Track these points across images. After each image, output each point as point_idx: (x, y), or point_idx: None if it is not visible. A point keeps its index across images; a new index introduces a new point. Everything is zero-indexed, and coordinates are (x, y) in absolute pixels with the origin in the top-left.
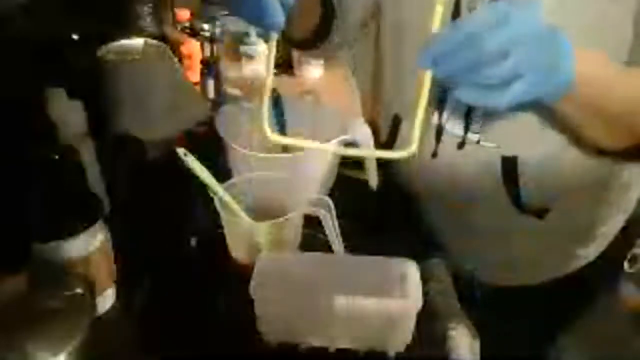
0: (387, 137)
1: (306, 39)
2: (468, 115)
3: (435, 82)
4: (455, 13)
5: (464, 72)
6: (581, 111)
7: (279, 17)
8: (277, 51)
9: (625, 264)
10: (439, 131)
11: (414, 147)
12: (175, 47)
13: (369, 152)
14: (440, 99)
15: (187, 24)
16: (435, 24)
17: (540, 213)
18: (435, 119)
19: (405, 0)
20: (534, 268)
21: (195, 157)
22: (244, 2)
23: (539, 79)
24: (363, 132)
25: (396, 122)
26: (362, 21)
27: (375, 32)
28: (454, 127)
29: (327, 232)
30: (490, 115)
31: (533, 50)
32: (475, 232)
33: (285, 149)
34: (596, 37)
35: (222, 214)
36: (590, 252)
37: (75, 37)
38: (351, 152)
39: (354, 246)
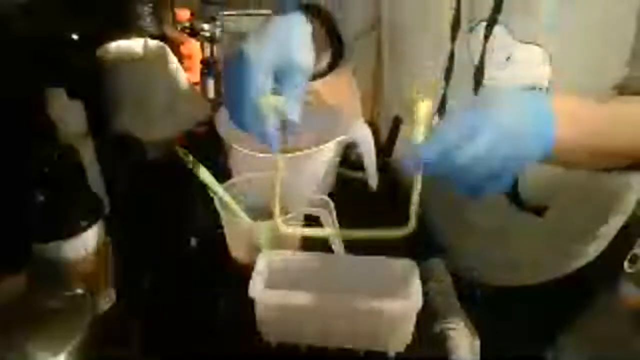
0: (388, 137)
1: (318, 74)
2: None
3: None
4: (454, 30)
5: (446, 177)
6: (579, 156)
7: (276, 145)
8: None
9: (625, 264)
10: None
11: (411, 226)
12: (175, 47)
13: (370, 233)
14: (440, 102)
15: (187, 24)
16: (419, 125)
17: (539, 210)
18: (435, 121)
19: (405, 3)
20: (534, 268)
21: (195, 157)
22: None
23: (519, 164)
24: (363, 133)
25: (396, 123)
26: (363, 28)
27: (375, 33)
28: None
29: None
30: None
31: (504, 151)
32: (475, 231)
33: (286, 149)
34: (601, 36)
35: (222, 214)
36: (590, 252)
37: (75, 37)
38: (357, 234)
39: (354, 246)
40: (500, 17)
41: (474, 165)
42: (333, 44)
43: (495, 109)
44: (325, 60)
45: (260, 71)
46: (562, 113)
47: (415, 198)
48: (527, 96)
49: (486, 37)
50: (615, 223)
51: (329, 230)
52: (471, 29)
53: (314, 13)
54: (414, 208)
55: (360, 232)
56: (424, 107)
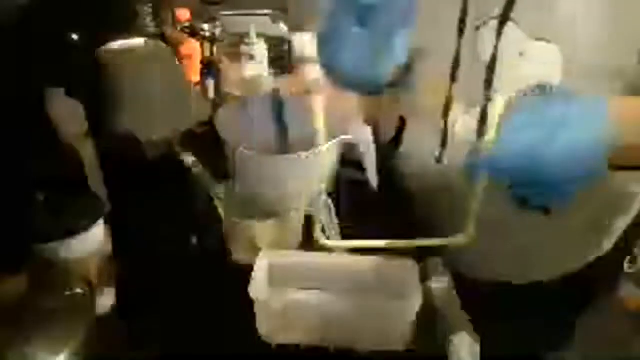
0: (392, 137)
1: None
2: (482, 122)
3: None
4: (461, 29)
5: (519, 177)
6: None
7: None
8: None
9: (625, 264)
10: (445, 137)
11: (469, 237)
12: (175, 47)
13: (435, 241)
14: (445, 102)
15: (187, 24)
16: (491, 135)
17: (544, 209)
18: (441, 124)
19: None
20: (536, 267)
21: (195, 157)
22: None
23: (589, 173)
24: (363, 133)
25: (402, 123)
26: None
27: None
28: (463, 133)
29: (327, 232)
30: None
31: (581, 159)
32: (476, 230)
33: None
34: (615, 33)
35: (222, 214)
36: (593, 251)
37: (75, 37)
38: (421, 242)
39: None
40: (512, 14)
41: (548, 171)
42: None
43: (569, 111)
44: None
45: None
46: (624, 116)
47: (475, 205)
48: (591, 103)
49: (498, 35)
50: (621, 222)
51: (383, 242)
52: (478, 27)
53: None
54: (473, 215)
55: (416, 242)
56: (498, 106)
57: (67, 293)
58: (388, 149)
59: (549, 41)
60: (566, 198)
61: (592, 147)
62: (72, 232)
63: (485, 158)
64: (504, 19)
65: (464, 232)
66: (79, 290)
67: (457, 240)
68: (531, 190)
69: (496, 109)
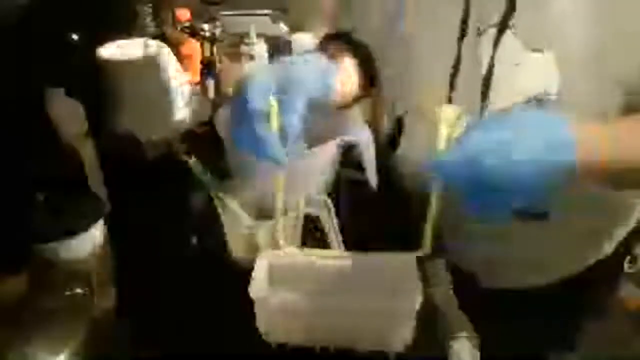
0: (391, 137)
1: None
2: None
3: None
4: (462, 33)
5: (467, 188)
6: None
7: (280, 154)
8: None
9: (625, 264)
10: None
11: (426, 249)
12: (175, 47)
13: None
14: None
15: (187, 24)
16: (440, 145)
17: (541, 216)
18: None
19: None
20: (536, 270)
21: (195, 157)
22: (242, 137)
23: (542, 193)
24: (363, 134)
25: (400, 122)
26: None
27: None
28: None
29: (327, 232)
30: None
31: (534, 173)
32: (475, 232)
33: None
34: (614, 45)
35: (222, 214)
36: (593, 255)
37: (75, 37)
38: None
39: (354, 246)
40: (510, 22)
41: (499, 179)
42: (365, 74)
43: (526, 128)
44: (356, 88)
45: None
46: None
47: (431, 215)
48: (551, 121)
49: (495, 44)
50: (620, 231)
51: (339, 252)
52: (479, 34)
53: (350, 43)
54: (429, 227)
55: (372, 256)
56: (449, 111)
57: (67, 293)
58: (386, 149)
59: (542, 51)
60: (505, 211)
61: (540, 162)
62: (72, 232)
63: (437, 164)
64: (502, 27)
65: (422, 242)
66: (79, 290)
67: (413, 254)
68: (480, 198)
69: (446, 117)
